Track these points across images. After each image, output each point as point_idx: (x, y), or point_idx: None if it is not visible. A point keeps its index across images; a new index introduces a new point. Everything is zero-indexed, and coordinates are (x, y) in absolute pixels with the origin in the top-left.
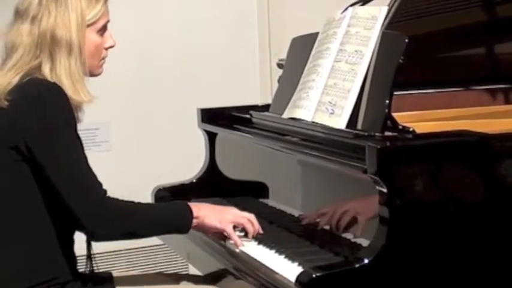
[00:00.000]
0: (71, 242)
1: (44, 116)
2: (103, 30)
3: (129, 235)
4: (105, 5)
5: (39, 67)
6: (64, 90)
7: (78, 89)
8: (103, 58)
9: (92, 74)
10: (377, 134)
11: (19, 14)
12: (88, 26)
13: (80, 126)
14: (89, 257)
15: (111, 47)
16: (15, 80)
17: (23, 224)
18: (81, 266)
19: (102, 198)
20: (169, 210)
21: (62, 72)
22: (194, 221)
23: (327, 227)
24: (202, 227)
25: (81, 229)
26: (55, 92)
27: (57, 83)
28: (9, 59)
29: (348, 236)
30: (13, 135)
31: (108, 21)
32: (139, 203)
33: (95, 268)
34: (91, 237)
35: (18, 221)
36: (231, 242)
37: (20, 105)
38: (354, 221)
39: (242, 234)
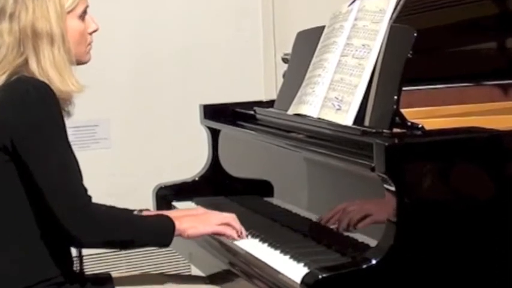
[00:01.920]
0: (65, 242)
1: (32, 116)
2: (83, 15)
3: (109, 244)
4: None
5: (25, 64)
6: (52, 86)
7: (66, 78)
8: (89, 44)
9: (80, 62)
10: (385, 130)
11: None
12: (68, 13)
13: (79, 123)
14: (79, 257)
15: (95, 31)
16: (2, 79)
17: (16, 225)
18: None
19: (84, 205)
20: (152, 222)
21: (47, 64)
22: (177, 233)
23: (337, 227)
24: (186, 238)
25: (62, 234)
26: (44, 91)
27: (45, 77)
28: None
29: (356, 236)
30: (0, 135)
31: (87, 6)
32: (122, 212)
33: (87, 270)
34: (71, 243)
35: (11, 221)
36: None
37: (7, 105)
38: (364, 220)
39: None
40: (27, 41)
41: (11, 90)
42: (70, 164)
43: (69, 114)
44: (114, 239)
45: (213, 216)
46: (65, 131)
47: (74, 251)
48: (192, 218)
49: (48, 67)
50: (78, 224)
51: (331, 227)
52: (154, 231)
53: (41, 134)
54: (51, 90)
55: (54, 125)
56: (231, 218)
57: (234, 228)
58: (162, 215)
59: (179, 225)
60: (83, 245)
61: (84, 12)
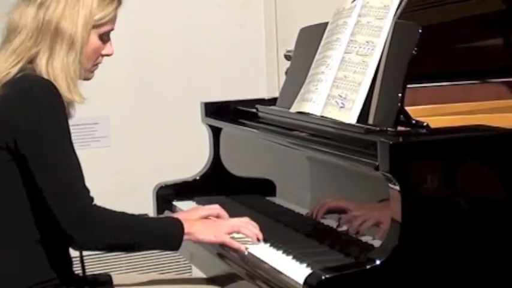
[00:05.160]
0: (65, 244)
1: (35, 116)
2: (106, 36)
3: (112, 247)
4: (115, 11)
5: (37, 56)
6: (58, 86)
7: (71, 87)
8: (97, 64)
9: (82, 78)
10: (389, 128)
11: None
12: (94, 27)
13: (78, 121)
14: (81, 259)
15: (108, 55)
16: (14, 70)
17: (15, 225)
18: (78, 269)
19: (86, 206)
20: (159, 225)
21: (58, 65)
22: (186, 237)
23: (338, 227)
24: (196, 242)
25: (63, 234)
26: (49, 90)
27: (52, 77)
28: (9, 42)
29: (360, 236)
30: (3, 133)
31: (112, 28)
32: (128, 215)
33: (87, 271)
34: (71, 245)
35: (11, 221)
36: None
37: (11, 103)
38: (371, 225)
39: (244, 236)
40: (46, 34)
41: (15, 87)
42: (72, 165)
43: (69, 115)
44: (117, 242)
45: (223, 225)
46: (69, 132)
47: (75, 252)
48: (202, 223)
49: (59, 69)
50: (78, 225)
51: (336, 227)
52: (161, 234)
53: (44, 134)
54: (56, 89)
55: (58, 125)
56: (240, 224)
57: (246, 234)
58: (171, 217)
59: (189, 227)
60: (82, 247)
61: (108, 33)
